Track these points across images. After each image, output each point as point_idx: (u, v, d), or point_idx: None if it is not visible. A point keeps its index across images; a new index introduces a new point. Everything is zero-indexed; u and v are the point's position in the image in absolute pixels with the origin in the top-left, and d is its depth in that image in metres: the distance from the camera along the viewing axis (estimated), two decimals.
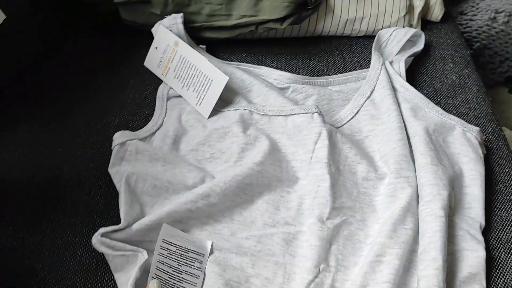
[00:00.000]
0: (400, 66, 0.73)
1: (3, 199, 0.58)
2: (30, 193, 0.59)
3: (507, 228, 0.59)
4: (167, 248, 0.51)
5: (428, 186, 0.57)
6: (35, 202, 0.58)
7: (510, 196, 0.62)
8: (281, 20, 0.73)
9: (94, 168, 0.61)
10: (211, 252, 0.54)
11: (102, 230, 0.51)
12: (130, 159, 0.60)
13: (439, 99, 0.73)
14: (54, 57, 0.75)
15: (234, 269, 0.53)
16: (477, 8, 1.28)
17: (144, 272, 0.50)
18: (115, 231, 0.52)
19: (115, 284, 0.52)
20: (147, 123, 0.65)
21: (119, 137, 0.62)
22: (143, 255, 0.50)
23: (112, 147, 0.61)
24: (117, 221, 0.55)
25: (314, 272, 0.52)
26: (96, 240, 0.51)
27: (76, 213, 0.57)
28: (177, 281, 0.50)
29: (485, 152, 0.65)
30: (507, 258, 0.57)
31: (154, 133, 0.64)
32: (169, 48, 0.69)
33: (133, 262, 0.51)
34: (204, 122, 0.66)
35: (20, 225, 0.56)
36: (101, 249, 0.51)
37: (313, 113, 0.62)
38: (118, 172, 0.58)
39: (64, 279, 0.53)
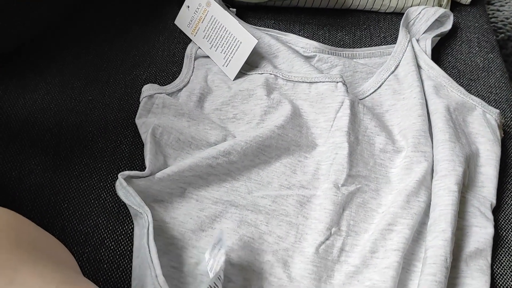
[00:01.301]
0: (426, 45, 0.73)
1: (33, 139, 0.61)
2: (59, 137, 0.61)
3: None
4: None
5: (444, 162, 0.58)
6: (63, 145, 0.60)
7: None
8: None
9: (121, 118, 0.63)
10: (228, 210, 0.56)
11: (127, 173, 0.53)
12: (157, 112, 0.62)
13: (461, 81, 0.74)
14: (89, 9, 0.76)
15: (248, 225, 0.55)
16: None
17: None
18: (139, 177, 0.54)
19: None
20: (174, 80, 0.67)
21: (148, 89, 0.64)
22: (148, 217, 0.50)
23: (140, 99, 0.63)
24: (140, 170, 0.57)
25: (326, 235, 0.54)
26: (118, 182, 0.53)
27: (102, 159, 0.60)
28: None
29: (503, 135, 0.66)
30: None
31: (180, 90, 0.66)
32: (200, 8, 0.70)
33: (139, 219, 0.51)
34: (229, 83, 0.67)
35: (48, 165, 0.58)
36: (118, 190, 0.53)
37: (337, 82, 0.64)
38: (144, 123, 0.60)
39: (88, 219, 0.55)
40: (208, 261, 0.49)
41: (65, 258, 0.44)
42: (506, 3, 1.36)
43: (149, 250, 0.48)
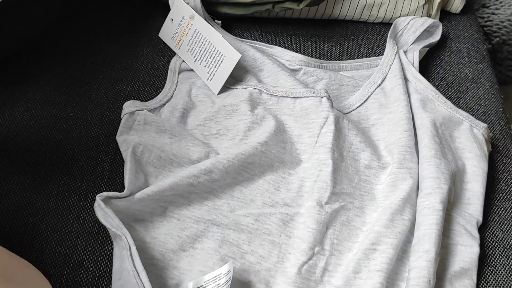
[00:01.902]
0: (414, 56, 0.72)
1: (12, 158, 0.60)
2: (39, 154, 0.60)
3: (504, 226, 0.60)
4: None
5: (429, 179, 0.57)
6: (42, 164, 0.60)
7: (510, 196, 0.63)
8: (298, 0, 0.72)
9: (102, 135, 0.63)
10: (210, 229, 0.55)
11: (105, 194, 0.52)
12: (138, 129, 0.61)
13: (450, 93, 0.73)
14: (71, 23, 0.75)
15: (230, 245, 0.54)
16: (500, 2, 1.26)
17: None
18: (118, 197, 0.53)
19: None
20: (158, 94, 0.66)
21: (129, 106, 0.63)
22: (127, 240, 0.49)
23: (122, 116, 0.62)
24: (122, 188, 0.56)
25: (309, 254, 0.53)
26: (96, 203, 0.52)
27: (82, 178, 0.59)
28: None
29: (491, 149, 0.65)
30: (500, 256, 0.58)
31: (163, 105, 0.65)
32: (184, 21, 0.69)
33: (119, 240, 0.51)
34: (213, 98, 0.66)
35: (27, 184, 0.58)
36: (96, 211, 0.52)
37: (322, 97, 0.63)
38: (125, 141, 0.59)
39: (67, 240, 0.54)
40: (203, 287, 0.49)
41: (41, 285, 0.43)
42: (501, 6, 1.34)
43: (138, 274, 0.48)
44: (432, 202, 0.55)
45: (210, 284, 0.48)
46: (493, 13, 1.29)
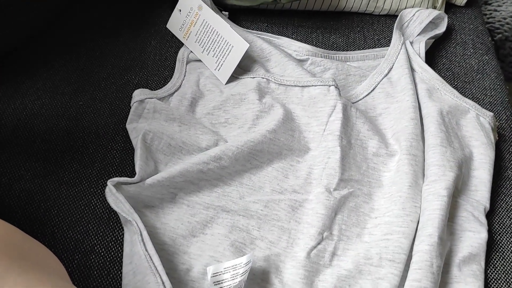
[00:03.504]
0: (420, 47, 0.73)
1: (23, 145, 0.60)
2: (49, 142, 0.61)
3: (511, 213, 0.60)
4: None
5: (435, 167, 0.58)
6: (53, 151, 0.60)
7: None
8: None
9: (112, 123, 0.63)
10: (219, 215, 0.55)
11: (116, 179, 0.53)
12: (148, 117, 0.61)
13: (456, 83, 0.73)
14: (79, 12, 0.76)
15: (240, 230, 0.54)
16: None
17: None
18: (129, 183, 0.53)
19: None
20: (166, 84, 0.67)
21: (138, 94, 0.63)
22: (138, 225, 0.50)
23: (131, 104, 0.63)
24: (131, 175, 0.57)
25: (317, 239, 0.54)
26: (108, 189, 0.52)
27: (92, 165, 0.59)
28: None
29: (497, 138, 0.65)
30: (508, 242, 0.58)
31: (172, 94, 0.65)
32: (192, 11, 0.69)
33: (129, 225, 0.51)
34: (221, 87, 0.67)
35: (38, 171, 0.58)
36: (107, 197, 0.52)
37: (330, 86, 0.63)
38: (135, 128, 0.60)
39: (78, 226, 0.55)
40: (221, 273, 0.49)
41: (54, 266, 0.43)
42: (504, 3, 1.34)
43: (150, 258, 0.48)
44: (437, 188, 0.56)
45: (229, 272, 0.49)
46: (496, 10, 1.30)
